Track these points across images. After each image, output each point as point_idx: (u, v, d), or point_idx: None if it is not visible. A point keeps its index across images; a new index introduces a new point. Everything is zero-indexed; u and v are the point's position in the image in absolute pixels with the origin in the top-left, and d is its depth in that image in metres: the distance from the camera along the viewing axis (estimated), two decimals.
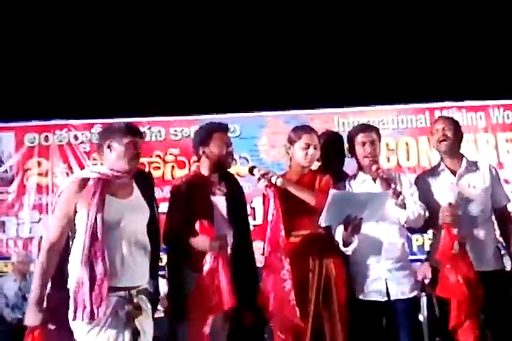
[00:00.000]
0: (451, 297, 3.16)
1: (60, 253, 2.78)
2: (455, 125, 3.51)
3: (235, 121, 6.60)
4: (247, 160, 6.52)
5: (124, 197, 2.87)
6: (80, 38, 6.66)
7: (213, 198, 3.25)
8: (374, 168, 3.27)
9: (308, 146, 3.31)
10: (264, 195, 3.26)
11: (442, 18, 6.39)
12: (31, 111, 6.51)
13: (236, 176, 3.58)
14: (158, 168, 6.60)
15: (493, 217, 3.45)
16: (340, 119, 6.53)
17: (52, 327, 2.74)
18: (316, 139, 3.35)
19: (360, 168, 3.44)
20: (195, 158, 3.48)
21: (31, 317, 2.71)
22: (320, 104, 6.48)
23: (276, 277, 3.06)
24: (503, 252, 3.48)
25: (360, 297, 3.23)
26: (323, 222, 3.05)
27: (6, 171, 6.63)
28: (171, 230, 3.19)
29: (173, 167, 6.65)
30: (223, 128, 3.37)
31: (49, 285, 2.78)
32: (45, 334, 2.72)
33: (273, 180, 3.16)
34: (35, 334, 2.71)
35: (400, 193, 3.18)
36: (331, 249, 3.21)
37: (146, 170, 6.39)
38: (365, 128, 3.48)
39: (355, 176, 3.45)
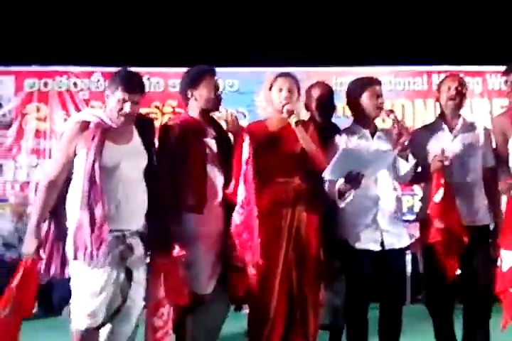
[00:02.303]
0: (431, 242, 3.34)
1: (58, 190, 2.90)
2: (465, 85, 3.60)
3: (234, 76, 6.64)
4: (244, 115, 6.57)
5: (123, 142, 2.96)
6: None
7: (206, 140, 3.29)
8: (392, 116, 3.34)
9: (281, 89, 3.32)
10: (238, 138, 3.27)
11: None
12: (32, 56, 6.49)
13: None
14: (156, 118, 6.64)
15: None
16: (339, 78, 6.56)
17: (43, 255, 2.90)
18: (291, 83, 3.34)
19: (357, 121, 3.52)
20: None
21: (27, 246, 2.87)
22: (319, 63, 6.49)
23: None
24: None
25: (356, 245, 3.37)
26: (327, 175, 3.14)
27: (4, 115, 6.69)
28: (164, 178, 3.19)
29: (170, 118, 6.69)
30: (212, 71, 3.37)
31: (47, 219, 2.92)
32: (36, 263, 2.88)
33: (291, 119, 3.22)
34: (28, 262, 2.86)
35: (408, 146, 3.29)
36: (304, 199, 3.30)
37: None
38: (375, 80, 3.53)
39: (352, 131, 3.53)
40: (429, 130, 3.64)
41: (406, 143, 3.28)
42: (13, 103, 6.69)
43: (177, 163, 3.19)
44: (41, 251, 2.89)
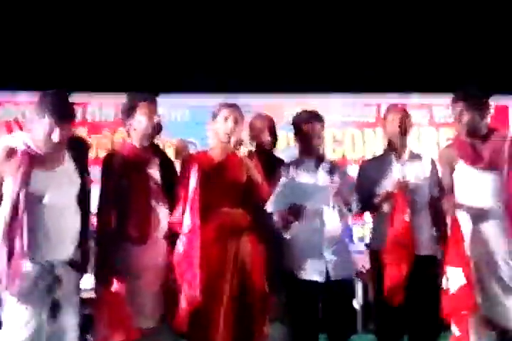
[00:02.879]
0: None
1: None
2: (409, 117, 3.73)
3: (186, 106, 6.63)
4: (195, 146, 6.52)
5: (53, 167, 2.87)
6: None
7: (149, 171, 3.26)
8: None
9: (226, 119, 3.32)
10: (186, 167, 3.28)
11: (397, 14, 6.51)
12: None
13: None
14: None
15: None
16: (289, 108, 6.59)
17: None
18: (236, 113, 3.33)
19: (302, 153, 3.58)
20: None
21: None
22: (271, 92, 6.52)
23: None
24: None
25: (301, 276, 3.38)
26: (269, 207, 3.16)
27: None
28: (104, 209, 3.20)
29: (114, 148, 6.57)
30: (148, 98, 3.36)
31: None
32: None
33: (242, 150, 3.24)
34: None
35: (350, 203, 3.42)
36: (249, 229, 3.28)
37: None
38: (316, 117, 3.62)
39: (298, 162, 3.58)
40: (378, 160, 3.75)
41: (348, 199, 3.38)
42: None
43: (119, 194, 3.17)
44: None
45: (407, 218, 3.38)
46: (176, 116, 6.66)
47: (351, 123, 6.89)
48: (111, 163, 3.25)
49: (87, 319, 3.16)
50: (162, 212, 3.23)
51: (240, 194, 3.28)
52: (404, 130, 3.65)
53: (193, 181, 3.15)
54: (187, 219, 3.11)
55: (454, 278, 3.18)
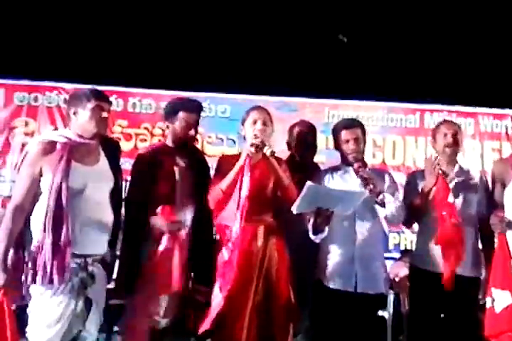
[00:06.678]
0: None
1: (25, 215, 2.78)
2: (461, 132, 3.57)
3: (227, 102, 6.59)
4: (234, 142, 6.51)
5: (90, 163, 2.88)
6: None
7: (176, 168, 3.25)
8: (355, 166, 3.31)
9: (255, 121, 3.23)
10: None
11: (445, 21, 6.37)
12: (23, 70, 6.40)
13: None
14: (145, 140, 6.57)
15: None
16: (331, 111, 6.55)
17: (12, 286, 2.74)
18: (265, 115, 3.24)
19: (344, 160, 3.50)
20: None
21: None
22: (313, 94, 6.47)
23: None
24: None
25: (330, 285, 3.29)
26: (295, 209, 3.08)
27: None
28: (132, 202, 3.22)
29: (159, 140, 6.62)
30: (191, 107, 3.33)
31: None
32: (7, 293, 2.73)
33: (265, 150, 3.12)
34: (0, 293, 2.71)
35: (380, 193, 3.22)
36: (276, 237, 3.20)
37: (133, 141, 6.44)
38: (349, 124, 3.49)
39: (337, 167, 3.50)
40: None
41: (374, 190, 3.23)
42: (2, 115, 6.55)
43: (145, 193, 3.18)
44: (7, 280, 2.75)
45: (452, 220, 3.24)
46: (215, 112, 6.60)
47: (393, 130, 6.77)
48: (137, 162, 3.30)
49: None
50: (187, 211, 3.23)
51: (268, 200, 3.21)
52: (456, 146, 3.52)
53: (245, 188, 3.07)
54: (237, 227, 3.05)
55: (499, 299, 3.06)
